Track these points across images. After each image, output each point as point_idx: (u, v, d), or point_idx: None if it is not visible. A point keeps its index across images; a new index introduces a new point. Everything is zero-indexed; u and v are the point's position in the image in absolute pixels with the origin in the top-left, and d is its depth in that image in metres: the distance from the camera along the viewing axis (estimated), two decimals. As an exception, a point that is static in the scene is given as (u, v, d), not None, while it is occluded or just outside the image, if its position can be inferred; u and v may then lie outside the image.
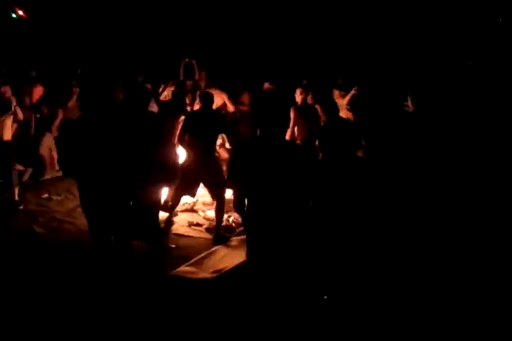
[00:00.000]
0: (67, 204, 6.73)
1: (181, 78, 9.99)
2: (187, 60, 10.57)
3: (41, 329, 3.75)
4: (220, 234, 5.78)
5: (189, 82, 9.66)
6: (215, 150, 5.93)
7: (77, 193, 6.57)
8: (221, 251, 5.41)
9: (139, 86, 5.64)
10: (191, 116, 6.11)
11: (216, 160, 5.93)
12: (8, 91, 6.35)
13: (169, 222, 6.10)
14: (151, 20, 13.19)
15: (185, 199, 6.60)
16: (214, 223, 5.97)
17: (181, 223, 6.17)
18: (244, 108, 8.13)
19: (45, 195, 7.04)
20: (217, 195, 5.76)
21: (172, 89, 8.58)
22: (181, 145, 5.87)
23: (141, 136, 4.07)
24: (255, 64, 11.86)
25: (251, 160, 3.12)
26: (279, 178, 3.07)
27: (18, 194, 6.56)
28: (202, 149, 5.69)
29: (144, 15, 13.12)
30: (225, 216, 6.15)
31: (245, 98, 8.31)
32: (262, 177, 3.08)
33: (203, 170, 5.68)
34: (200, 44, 12.65)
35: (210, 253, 5.31)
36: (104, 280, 4.26)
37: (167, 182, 4.65)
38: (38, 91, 7.64)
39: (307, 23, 12.86)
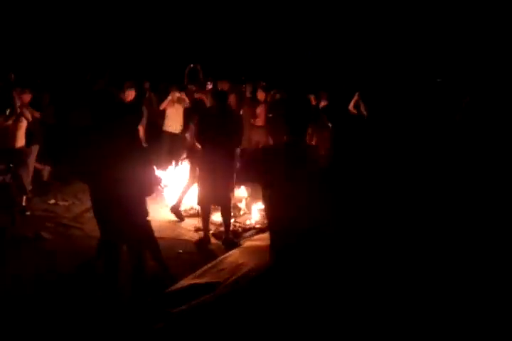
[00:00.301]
0: (74, 210, 6.76)
1: (185, 83, 10.05)
2: (192, 65, 10.66)
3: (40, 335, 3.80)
4: (229, 238, 5.79)
5: (191, 87, 9.73)
6: (234, 151, 5.83)
7: (83, 198, 6.70)
8: (235, 253, 5.39)
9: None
10: (206, 115, 5.88)
11: (233, 164, 5.84)
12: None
13: (206, 236, 5.89)
14: (156, 26, 13.28)
15: (191, 204, 6.63)
16: (220, 228, 5.99)
17: (188, 228, 6.18)
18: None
19: (52, 201, 7.07)
20: (224, 199, 5.75)
21: (176, 94, 8.61)
22: (200, 144, 5.77)
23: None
24: (259, 68, 11.93)
25: (280, 163, 3.17)
26: (307, 181, 3.13)
27: (26, 200, 6.59)
28: (221, 149, 5.55)
29: (149, 21, 13.21)
30: (232, 221, 6.17)
31: (232, 100, 8.38)
32: (288, 180, 3.12)
33: (219, 171, 5.56)
34: (204, 49, 12.73)
35: (224, 258, 5.27)
36: (111, 288, 4.26)
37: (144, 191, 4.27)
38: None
39: (312, 28, 12.95)
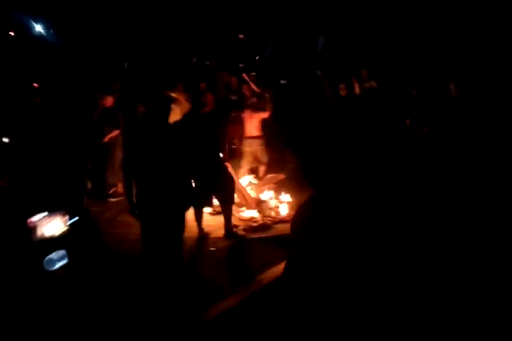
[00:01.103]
0: (104, 214, 6.78)
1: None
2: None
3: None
4: (230, 231, 5.82)
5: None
6: (219, 154, 5.88)
7: (112, 203, 6.74)
8: None
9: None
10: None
11: (224, 166, 5.89)
12: None
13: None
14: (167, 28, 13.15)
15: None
16: (250, 223, 6.09)
17: (218, 225, 6.16)
18: (207, 109, 8.18)
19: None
20: (222, 198, 5.87)
21: None
22: None
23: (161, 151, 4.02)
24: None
25: None
26: None
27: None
28: (207, 154, 5.65)
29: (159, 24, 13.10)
30: (259, 215, 6.28)
31: (209, 98, 8.33)
32: None
33: (212, 178, 5.67)
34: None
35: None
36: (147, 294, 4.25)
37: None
38: None
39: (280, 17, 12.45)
